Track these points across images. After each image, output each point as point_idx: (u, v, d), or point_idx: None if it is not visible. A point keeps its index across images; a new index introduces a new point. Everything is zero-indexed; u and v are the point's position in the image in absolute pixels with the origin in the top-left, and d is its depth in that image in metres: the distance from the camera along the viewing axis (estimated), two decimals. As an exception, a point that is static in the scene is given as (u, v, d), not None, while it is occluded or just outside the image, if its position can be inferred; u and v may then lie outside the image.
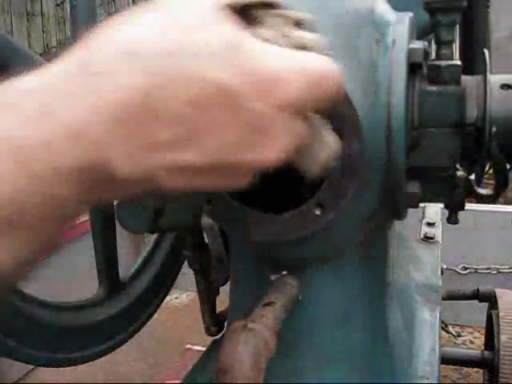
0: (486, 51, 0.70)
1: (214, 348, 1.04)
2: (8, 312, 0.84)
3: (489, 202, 2.11)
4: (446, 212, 0.75)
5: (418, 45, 0.67)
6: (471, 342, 2.23)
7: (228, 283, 0.93)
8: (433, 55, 0.70)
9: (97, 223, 0.99)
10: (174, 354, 2.16)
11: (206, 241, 0.97)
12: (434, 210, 1.49)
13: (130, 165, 0.34)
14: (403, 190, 0.68)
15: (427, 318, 1.02)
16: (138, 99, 0.34)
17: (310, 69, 0.40)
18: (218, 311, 1.12)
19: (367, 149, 0.60)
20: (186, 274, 1.19)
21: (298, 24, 0.46)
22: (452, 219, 0.75)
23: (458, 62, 0.67)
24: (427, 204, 1.50)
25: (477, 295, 1.54)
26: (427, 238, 1.35)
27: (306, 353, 0.77)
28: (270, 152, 0.39)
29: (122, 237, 1.00)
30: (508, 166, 0.68)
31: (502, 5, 3.48)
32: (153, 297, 1.19)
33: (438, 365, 0.91)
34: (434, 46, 0.69)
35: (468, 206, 0.72)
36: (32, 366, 1.93)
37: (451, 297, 1.56)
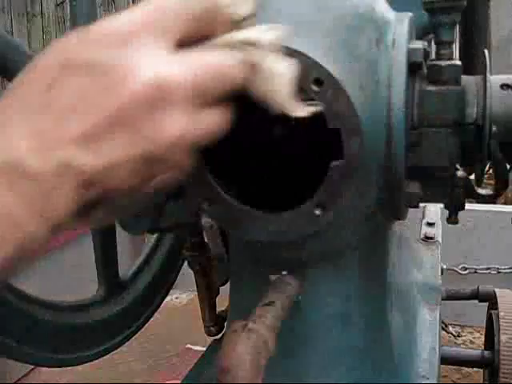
0: (485, 51, 0.70)
1: (214, 348, 1.04)
2: (7, 312, 0.84)
3: (489, 202, 2.11)
4: (446, 212, 0.75)
5: (418, 45, 0.66)
6: (471, 342, 2.22)
7: (228, 283, 0.93)
8: (433, 55, 0.70)
9: (97, 223, 0.99)
10: (174, 354, 2.16)
11: (206, 241, 0.97)
12: (434, 210, 1.49)
13: (40, 157, 0.35)
14: (403, 189, 0.68)
15: (427, 317, 1.02)
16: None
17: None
18: (217, 311, 1.12)
19: (367, 149, 0.60)
20: (186, 274, 1.19)
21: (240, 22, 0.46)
22: (452, 219, 0.75)
23: (458, 62, 0.67)
24: (427, 204, 1.50)
25: (477, 295, 1.54)
26: (427, 238, 1.35)
27: (305, 353, 0.77)
28: (173, 120, 0.39)
29: (122, 237, 1.00)
30: (508, 166, 0.68)
31: (502, 5, 3.48)
32: (153, 297, 1.19)
33: (437, 365, 0.91)
34: (434, 46, 0.69)
35: (468, 205, 0.72)
36: (32, 366, 1.93)
37: (451, 297, 1.56)
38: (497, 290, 1.51)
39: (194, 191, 0.64)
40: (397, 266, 0.90)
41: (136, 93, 0.37)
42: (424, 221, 1.43)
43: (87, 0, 0.97)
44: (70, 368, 1.04)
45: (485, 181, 0.72)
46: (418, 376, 0.88)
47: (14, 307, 0.86)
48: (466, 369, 1.97)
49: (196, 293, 1.12)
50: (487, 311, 1.55)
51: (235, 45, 0.44)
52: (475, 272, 2.27)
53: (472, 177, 0.72)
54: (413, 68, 0.67)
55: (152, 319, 1.20)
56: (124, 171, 0.38)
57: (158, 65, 0.38)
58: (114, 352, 1.10)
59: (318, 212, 0.60)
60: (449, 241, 1.46)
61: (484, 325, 1.58)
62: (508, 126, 0.67)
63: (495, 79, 0.69)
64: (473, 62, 1.10)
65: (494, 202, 2.26)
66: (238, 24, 0.45)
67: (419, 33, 0.75)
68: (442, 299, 1.13)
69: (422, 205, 0.73)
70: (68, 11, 1.00)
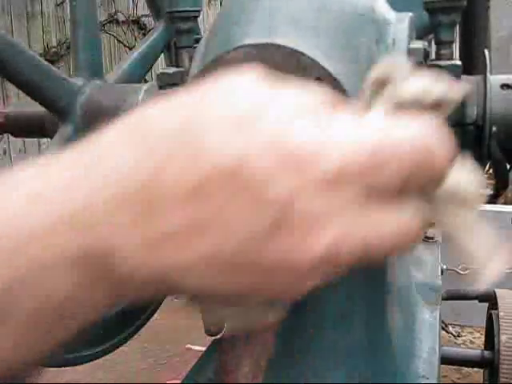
0: (486, 51, 0.71)
1: (214, 348, 1.04)
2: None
3: (489, 202, 2.11)
4: (446, 212, 0.75)
5: (418, 45, 0.67)
6: (471, 342, 2.23)
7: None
8: (433, 55, 0.70)
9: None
10: (174, 354, 2.16)
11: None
12: (434, 210, 1.49)
13: (137, 258, 0.28)
14: (403, 189, 0.68)
15: (427, 317, 1.02)
16: (141, 181, 0.28)
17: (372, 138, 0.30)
18: (218, 311, 1.12)
19: (367, 149, 0.60)
20: (186, 274, 1.19)
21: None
22: (452, 219, 0.75)
23: (458, 62, 0.67)
24: (427, 204, 1.50)
25: (477, 295, 1.54)
26: (427, 238, 1.35)
27: (305, 352, 0.77)
28: (307, 247, 0.30)
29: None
30: (508, 166, 0.69)
31: (502, 5, 3.48)
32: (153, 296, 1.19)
33: (437, 364, 0.91)
34: (434, 46, 0.69)
35: (468, 206, 0.72)
36: (32, 366, 1.93)
37: (451, 297, 1.56)
38: (497, 290, 1.51)
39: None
40: (397, 265, 0.90)
41: (300, 262, 0.31)
42: (424, 221, 1.43)
43: (87, 0, 0.97)
44: (69, 368, 1.04)
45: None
46: (417, 376, 0.88)
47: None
48: (466, 369, 1.97)
49: (196, 293, 1.12)
50: (487, 311, 1.55)
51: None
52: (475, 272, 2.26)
53: (472, 177, 0.72)
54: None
55: (152, 319, 1.21)
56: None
57: (340, 229, 0.30)
58: (114, 352, 1.10)
59: (318, 212, 0.60)
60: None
61: (484, 325, 1.58)
62: (508, 126, 0.67)
63: (495, 79, 0.69)
64: (473, 62, 1.10)
65: (494, 202, 2.26)
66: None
67: (419, 33, 0.75)
68: (442, 299, 1.13)
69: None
70: (68, 11, 1.00)
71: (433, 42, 0.70)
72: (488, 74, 0.68)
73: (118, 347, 1.10)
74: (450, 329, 1.89)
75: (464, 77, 0.68)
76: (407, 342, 0.93)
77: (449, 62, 0.66)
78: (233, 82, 0.33)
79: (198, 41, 0.82)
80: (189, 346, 2.13)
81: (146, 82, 1.01)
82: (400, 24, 0.68)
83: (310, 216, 0.28)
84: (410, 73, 0.34)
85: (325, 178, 0.28)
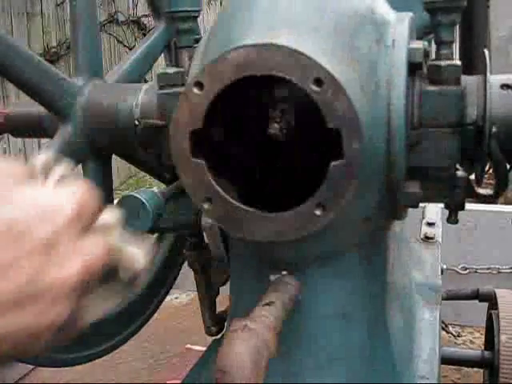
0: (486, 51, 0.71)
1: (214, 348, 1.04)
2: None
3: (489, 202, 2.11)
4: (446, 212, 0.75)
5: (418, 45, 0.67)
6: (471, 342, 2.22)
7: (228, 283, 0.93)
8: (433, 55, 0.70)
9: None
10: (174, 354, 2.16)
11: (206, 241, 0.97)
12: (434, 210, 1.49)
13: None
14: (403, 189, 0.68)
15: (427, 317, 1.02)
16: None
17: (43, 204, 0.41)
18: (218, 311, 1.12)
19: (367, 149, 0.60)
20: (186, 274, 1.19)
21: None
22: (452, 219, 0.75)
23: (458, 62, 0.67)
24: (427, 204, 1.50)
25: (477, 295, 1.54)
26: (427, 238, 1.35)
27: (305, 353, 0.77)
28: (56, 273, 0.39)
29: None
30: (508, 166, 0.69)
31: (502, 5, 3.48)
32: (153, 297, 1.19)
33: (437, 365, 0.91)
34: (434, 46, 0.70)
35: (468, 205, 0.72)
36: (32, 366, 1.93)
37: (451, 297, 1.56)
38: (497, 290, 1.51)
39: (194, 191, 0.64)
40: (397, 266, 0.90)
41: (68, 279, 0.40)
42: (424, 221, 1.43)
43: (87, 0, 0.97)
44: (69, 368, 1.04)
45: (485, 181, 0.72)
46: (417, 376, 0.88)
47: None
48: (466, 369, 1.97)
49: (196, 293, 1.12)
50: (487, 311, 1.55)
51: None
52: (475, 272, 2.27)
53: (472, 177, 0.72)
54: (413, 68, 0.67)
55: (152, 319, 1.21)
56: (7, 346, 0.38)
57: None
58: (114, 352, 1.10)
59: (318, 212, 0.60)
60: (449, 241, 1.45)
61: (484, 325, 1.58)
62: (508, 126, 0.67)
63: (495, 79, 0.69)
64: (473, 62, 1.10)
65: (494, 202, 2.26)
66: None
67: (419, 33, 0.75)
68: (442, 299, 1.13)
69: (421, 205, 0.73)
70: (68, 11, 1.00)
71: (433, 42, 0.70)
72: (488, 74, 0.68)
73: (117, 347, 1.10)
74: (450, 329, 1.89)
75: (464, 77, 0.68)
76: (407, 342, 0.93)
77: (449, 62, 0.66)
78: None
79: (197, 41, 0.82)
80: (189, 346, 2.13)
81: (145, 81, 1.01)
82: (400, 24, 0.68)
83: (64, 250, 0.40)
84: None
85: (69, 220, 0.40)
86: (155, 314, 1.22)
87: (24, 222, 0.39)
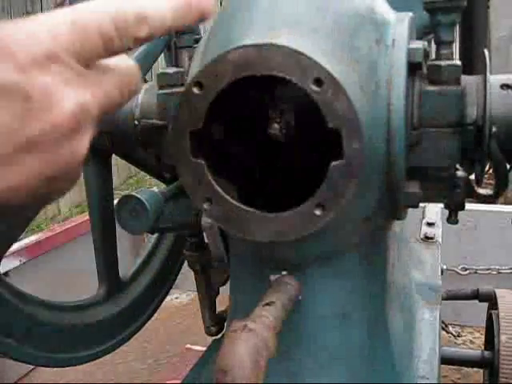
0: (485, 51, 0.71)
1: (214, 348, 1.04)
2: (8, 312, 0.84)
3: (489, 202, 2.11)
4: (446, 212, 0.75)
5: (418, 45, 0.67)
6: (471, 342, 2.22)
7: (228, 283, 0.93)
8: (433, 55, 0.70)
9: (97, 224, 0.99)
10: (174, 354, 2.16)
11: (206, 241, 0.97)
12: (434, 210, 1.49)
13: None
14: (403, 189, 0.68)
15: (427, 317, 1.02)
16: None
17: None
18: (218, 311, 1.12)
19: (367, 149, 0.60)
20: (186, 274, 1.19)
21: None
22: (452, 219, 0.75)
23: (458, 62, 0.67)
24: (427, 204, 1.50)
25: (477, 295, 1.54)
26: (427, 238, 1.35)
27: (305, 352, 0.77)
28: (55, 115, 0.36)
29: (122, 237, 1.01)
30: (508, 166, 0.69)
31: (502, 5, 3.48)
32: (153, 297, 1.19)
33: (437, 365, 0.91)
34: (434, 46, 0.70)
35: (468, 205, 0.72)
36: (32, 366, 1.93)
37: (451, 297, 1.56)
38: (497, 290, 1.51)
39: (194, 191, 0.64)
40: (397, 266, 0.90)
41: (60, 123, 0.37)
42: (424, 221, 1.43)
43: (87, 0, 0.97)
44: (70, 368, 1.04)
45: (485, 181, 0.72)
46: (417, 376, 0.88)
47: (14, 307, 0.86)
48: (466, 369, 1.97)
49: (196, 293, 1.12)
50: (487, 311, 1.55)
51: None
52: (475, 272, 2.27)
53: (472, 177, 0.72)
54: (413, 68, 0.67)
55: (152, 319, 1.21)
56: (24, 195, 0.37)
57: (77, 94, 0.38)
58: (114, 352, 1.10)
59: (318, 212, 0.60)
60: (449, 241, 1.45)
61: (484, 325, 1.58)
62: (508, 126, 0.67)
63: (495, 79, 0.69)
64: (473, 62, 1.10)
65: (494, 202, 2.26)
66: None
67: (419, 33, 0.75)
68: (442, 299, 1.13)
69: (421, 205, 0.73)
70: (68, 11, 0.99)
71: (433, 42, 0.70)
72: (488, 74, 0.68)
73: (117, 347, 1.10)
74: (450, 329, 1.89)
75: (464, 77, 0.68)
76: (407, 342, 0.93)
77: (449, 62, 0.66)
78: None
79: (197, 41, 0.82)
80: (189, 346, 2.13)
81: (146, 81, 1.01)
82: (400, 24, 0.68)
83: (45, 91, 0.35)
84: None
85: (37, 60, 0.35)
86: (155, 314, 1.22)
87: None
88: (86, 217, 2.23)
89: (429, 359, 0.91)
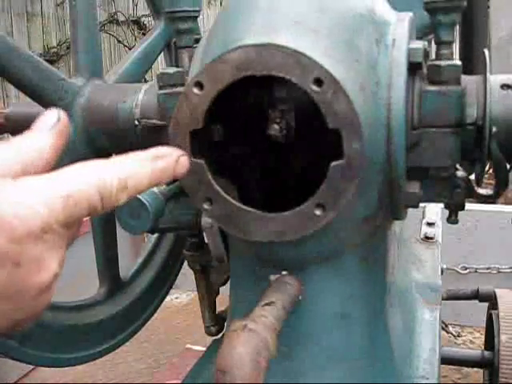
0: (486, 51, 0.71)
1: (214, 348, 1.04)
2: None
3: (489, 202, 2.11)
4: (446, 212, 0.75)
5: (418, 45, 0.67)
6: (471, 342, 2.23)
7: (228, 283, 0.93)
8: (433, 55, 0.70)
9: (97, 224, 0.99)
10: (174, 354, 2.16)
11: (206, 241, 0.97)
12: (434, 210, 1.49)
13: None
14: (403, 190, 0.68)
15: (427, 318, 1.02)
16: None
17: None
18: (217, 311, 1.12)
19: (367, 149, 0.60)
20: (186, 274, 1.19)
21: None
22: (452, 219, 0.75)
23: (458, 62, 0.67)
24: (427, 204, 1.50)
25: (477, 295, 1.55)
26: (427, 238, 1.35)
27: (305, 353, 0.77)
28: (40, 278, 0.41)
29: (122, 237, 1.00)
30: (508, 166, 0.69)
31: (502, 5, 3.48)
32: (153, 297, 1.19)
33: (437, 365, 0.91)
34: (434, 46, 0.70)
35: (468, 205, 0.72)
36: (32, 366, 1.93)
37: (451, 297, 1.56)
38: (497, 290, 1.51)
39: (194, 191, 0.64)
40: (397, 266, 0.90)
41: (45, 283, 0.41)
42: (424, 221, 1.43)
43: (87, 0, 0.97)
44: (70, 368, 1.04)
45: (485, 181, 0.72)
46: (417, 376, 0.88)
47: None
48: (466, 369, 1.97)
49: (196, 293, 1.12)
50: (487, 311, 1.55)
51: None
52: (475, 272, 2.27)
53: (472, 177, 0.72)
54: (413, 68, 0.67)
55: (152, 319, 1.21)
56: None
57: (60, 254, 0.42)
58: (114, 352, 1.10)
59: (318, 212, 0.60)
60: (449, 241, 1.45)
61: (484, 325, 1.58)
62: (508, 126, 0.67)
63: (495, 79, 0.69)
64: (473, 62, 1.10)
65: (494, 202, 2.26)
66: None
67: (419, 33, 0.75)
68: (442, 299, 1.13)
69: (421, 205, 0.73)
70: (68, 11, 1.00)
71: (433, 42, 0.70)
72: (488, 74, 0.68)
73: (117, 347, 1.10)
74: (450, 329, 1.89)
75: (464, 77, 0.68)
76: (407, 342, 0.93)
77: (449, 62, 0.66)
78: None
79: (197, 41, 0.82)
80: (189, 346, 2.13)
81: (146, 81, 1.01)
82: (400, 24, 0.68)
83: (35, 258, 0.40)
84: None
85: (32, 232, 0.39)
86: (155, 314, 1.22)
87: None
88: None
89: (429, 359, 0.91)
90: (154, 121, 0.83)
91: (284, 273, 0.71)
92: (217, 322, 1.11)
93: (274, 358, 0.57)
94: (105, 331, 1.05)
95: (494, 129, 0.66)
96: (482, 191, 0.71)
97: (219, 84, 0.59)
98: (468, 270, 2.29)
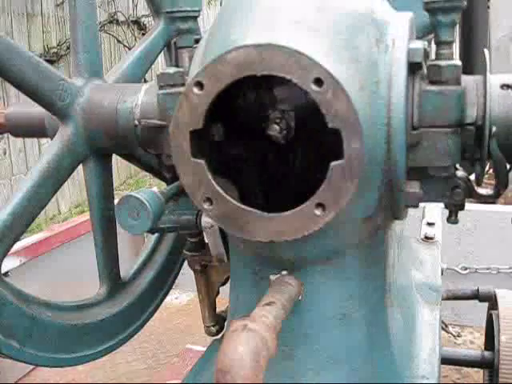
0: (486, 51, 0.71)
1: (214, 348, 1.04)
2: (9, 313, 0.84)
3: (489, 202, 2.11)
4: (446, 212, 0.75)
5: (418, 45, 0.67)
6: (471, 342, 2.22)
7: (228, 283, 0.93)
8: (433, 55, 0.70)
9: (97, 224, 0.99)
10: (174, 354, 2.16)
11: (206, 241, 0.97)
12: (434, 210, 1.49)
13: None
14: (403, 189, 0.68)
15: (427, 318, 1.02)
16: None
17: None
18: (217, 311, 1.12)
19: (367, 149, 0.60)
20: (186, 274, 1.19)
21: None
22: (452, 219, 0.75)
23: (458, 62, 0.67)
24: (427, 204, 1.50)
25: (477, 295, 1.54)
26: (427, 238, 1.35)
27: (306, 353, 0.77)
28: None
29: (122, 237, 1.01)
30: (508, 166, 0.69)
31: (502, 5, 3.48)
32: (153, 297, 1.19)
33: (437, 365, 0.91)
34: (434, 46, 0.70)
35: (468, 205, 0.72)
36: (32, 366, 1.93)
37: (451, 297, 1.56)
38: (497, 290, 1.51)
39: (194, 191, 0.64)
40: (397, 266, 0.90)
41: None
42: (424, 221, 1.43)
43: (87, 0, 0.97)
44: (70, 368, 1.04)
45: (485, 181, 0.72)
46: (417, 376, 0.88)
47: (15, 308, 0.86)
48: (466, 369, 1.97)
49: (196, 293, 1.12)
50: (487, 311, 1.55)
51: None
52: (475, 272, 2.27)
53: (472, 177, 0.72)
54: (413, 68, 0.67)
55: (152, 319, 1.21)
56: None
57: None
58: (114, 352, 1.10)
59: (318, 212, 0.60)
60: (449, 241, 1.45)
61: (484, 325, 1.58)
62: (508, 126, 0.67)
63: (495, 79, 0.69)
64: (473, 62, 1.10)
65: (494, 202, 2.26)
66: None
67: (419, 33, 0.75)
68: (442, 299, 1.13)
69: (421, 205, 0.73)
70: (68, 11, 1.00)
71: (433, 42, 0.70)
72: (488, 74, 0.68)
73: (117, 347, 1.10)
74: (450, 329, 1.89)
75: (464, 77, 0.68)
76: (407, 342, 0.93)
77: (449, 62, 0.66)
78: None
79: (198, 41, 0.82)
80: (189, 346, 2.13)
81: (146, 81, 1.01)
82: (400, 24, 0.68)
83: None
84: None
85: None
86: (155, 314, 1.22)
87: None
88: (86, 217, 2.23)
89: (429, 359, 0.91)
90: (154, 121, 0.83)
91: (284, 273, 0.71)
92: (217, 322, 1.11)
93: (274, 358, 0.57)
94: (105, 331, 1.05)
95: (494, 129, 0.66)
96: (482, 191, 0.71)
97: (219, 84, 0.59)
98: (468, 271, 2.29)
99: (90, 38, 0.97)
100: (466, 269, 2.31)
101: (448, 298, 1.52)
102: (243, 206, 0.62)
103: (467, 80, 0.68)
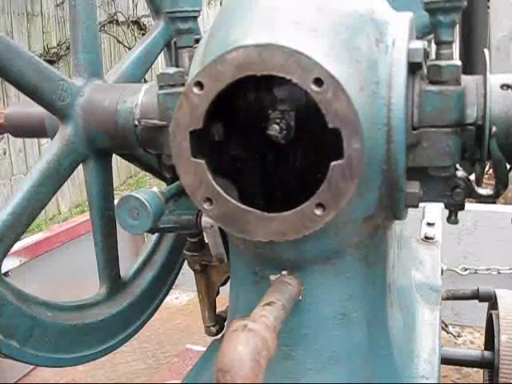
0: (486, 51, 0.71)
1: (214, 348, 1.04)
2: (9, 313, 0.84)
3: (489, 202, 2.11)
4: (446, 212, 0.75)
5: (418, 45, 0.67)
6: (471, 342, 2.22)
7: (228, 283, 0.93)
8: (433, 55, 0.70)
9: (97, 224, 0.99)
10: (174, 354, 2.16)
11: (206, 241, 0.97)
12: (434, 210, 1.49)
13: None
14: (403, 189, 0.68)
15: (427, 318, 1.02)
16: None
17: None
18: (217, 311, 1.12)
19: (367, 148, 0.60)
20: (186, 274, 1.19)
21: None
22: (452, 219, 0.75)
23: (458, 62, 0.67)
24: (427, 204, 1.51)
25: (477, 295, 1.54)
26: (427, 238, 1.35)
27: (306, 353, 0.77)
28: None
29: (122, 237, 1.01)
30: (508, 166, 0.69)
31: (502, 5, 3.48)
32: (153, 297, 1.19)
33: (437, 365, 0.91)
34: (434, 46, 0.70)
35: (468, 205, 0.72)
36: (32, 366, 1.93)
37: (451, 297, 1.56)
38: (497, 290, 1.51)
39: (194, 191, 0.64)
40: (397, 266, 0.90)
41: None
42: (424, 221, 1.43)
43: (87, 0, 0.97)
44: (70, 368, 1.04)
45: (485, 181, 0.72)
46: (417, 376, 0.88)
47: (15, 308, 0.86)
48: (466, 369, 1.97)
49: (196, 293, 1.12)
50: (487, 311, 1.55)
51: None
52: (475, 272, 2.27)
53: (472, 177, 0.72)
54: (413, 68, 0.67)
55: (152, 319, 1.21)
56: None
57: None
58: (114, 352, 1.10)
59: (318, 212, 0.60)
60: (449, 241, 1.45)
61: (484, 325, 1.58)
62: (508, 126, 0.67)
63: (495, 79, 0.69)
64: (473, 62, 1.10)
65: (494, 202, 2.26)
66: None
67: (419, 33, 0.75)
68: (442, 299, 1.13)
69: (421, 205, 0.73)
70: (68, 11, 1.00)
71: (433, 42, 0.70)
72: (488, 74, 0.68)
73: (118, 347, 1.10)
74: (450, 329, 1.89)
75: (464, 77, 0.68)
76: (407, 342, 0.93)
77: (449, 62, 0.66)
78: None
79: (198, 41, 0.82)
80: (189, 346, 2.13)
81: (146, 82, 1.01)
82: (400, 24, 0.68)
83: None
84: None
85: None
86: (155, 314, 1.22)
87: None
88: (86, 217, 2.23)
89: (429, 359, 0.91)
90: (154, 121, 0.83)
91: (284, 273, 0.71)
92: (217, 322, 1.11)
93: (274, 358, 0.57)
94: (105, 331, 1.05)
95: (494, 129, 0.66)
96: (482, 191, 0.71)
97: (219, 84, 0.59)
98: (468, 271, 2.29)
99: (90, 38, 0.97)
100: (466, 269, 2.31)
101: (448, 298, 1.52)
102: (243, 206, 0.62)
103: (467, 80, 0.68)
